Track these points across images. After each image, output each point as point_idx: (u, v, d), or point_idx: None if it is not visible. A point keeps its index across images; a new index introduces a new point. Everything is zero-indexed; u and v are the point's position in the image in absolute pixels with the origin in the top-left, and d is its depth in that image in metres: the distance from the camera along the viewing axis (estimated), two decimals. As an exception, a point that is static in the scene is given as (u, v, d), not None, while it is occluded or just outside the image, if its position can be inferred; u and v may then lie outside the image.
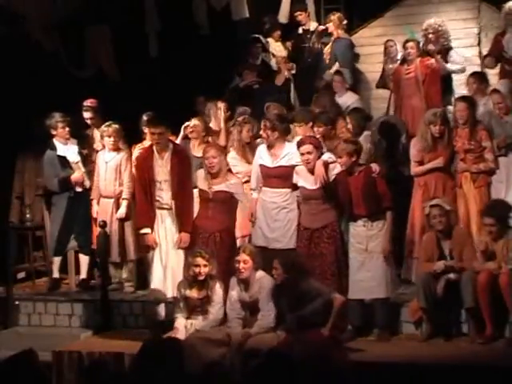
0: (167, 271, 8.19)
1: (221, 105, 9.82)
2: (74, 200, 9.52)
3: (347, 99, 10.38)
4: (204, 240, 8.12)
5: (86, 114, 9.92)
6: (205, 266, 7.68)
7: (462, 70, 10.48)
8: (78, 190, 9.52)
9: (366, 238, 7.78)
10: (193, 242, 8.16)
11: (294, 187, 8.16)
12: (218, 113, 9.76)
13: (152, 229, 8.24)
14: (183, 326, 7.71)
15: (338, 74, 10.61)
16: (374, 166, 7.95)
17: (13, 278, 9.66)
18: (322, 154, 8.06)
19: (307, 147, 7.97)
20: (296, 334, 7.24)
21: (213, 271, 7.71)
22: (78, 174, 9.50)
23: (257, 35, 11.64)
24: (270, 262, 7.64)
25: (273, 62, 11.57)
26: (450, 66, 10.50)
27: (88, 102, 9.95)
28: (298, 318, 7.32)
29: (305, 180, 8.04)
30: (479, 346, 7.45)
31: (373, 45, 11.48)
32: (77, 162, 9.61)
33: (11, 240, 9.62)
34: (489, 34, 11.24)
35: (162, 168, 8.21)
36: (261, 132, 8.44)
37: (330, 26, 11.24)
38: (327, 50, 11.25)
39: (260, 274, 7.67)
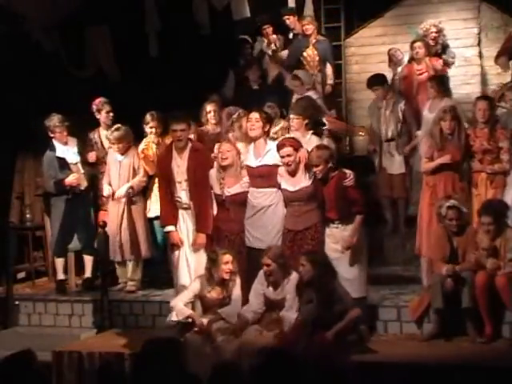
0: (191, 270, 8.16)
1: (213, 107, 9.82)
2: (73, 202, 9.49)
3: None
4: (230, 242, 8.10)
5: (97, 115, 9.87)
6: (232, 262, 7.66)
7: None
8: (76, 191, 9.49)
9: (339, 239, 7.78)
10: (212, 243, 8.12)
11: (280, 186, 8.12)
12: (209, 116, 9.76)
13: (176, 227, 8.24)
14: (201, 320, 7.63)
15: (295, 79, 10.58)
16: (348, 173, 7.95)
17: (13, 278, 9.66)
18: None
19: (287, 150, 7.95)
20: (306, 332, 7.25)
21: (235, 270, 7.70)
22: (72, 177, 9.45)
23: (244, 36, 11.66)
24: (255, 263, 7.71)
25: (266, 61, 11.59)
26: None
27: (96, 102, 9.84)
28: (316, 318, 7.33)
29: (286, 182, 8.02)
30: (479, 345, 7.44)
31: (372, 45, 11.50)
32: (76, 163, 9.59)
33: (11, 240, 9.61)
34: (489, 34, 11.26)
35: (181, 167, 8.20)
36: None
37: (310, 28, 11.25)
38: (310, 52, 11.23)
39: (294, 274, 7.62)
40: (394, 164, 10.11)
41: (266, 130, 8.30)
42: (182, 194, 8.22)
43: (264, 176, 8.11)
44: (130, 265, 9.41)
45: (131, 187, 9.30)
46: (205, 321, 7.55)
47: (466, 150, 8.37)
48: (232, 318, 7.60)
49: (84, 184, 9.58)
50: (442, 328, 7.66)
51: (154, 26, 11.35)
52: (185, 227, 8.25)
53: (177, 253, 8.28)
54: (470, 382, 6.80)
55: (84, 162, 9.63)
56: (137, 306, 8.95)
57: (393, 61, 10.88)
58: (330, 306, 7.37)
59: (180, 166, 8.22)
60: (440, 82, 9.87)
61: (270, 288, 7.69)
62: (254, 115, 8.25)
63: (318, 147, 8.00)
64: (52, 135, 9.52)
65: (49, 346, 8.11)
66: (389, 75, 10.72)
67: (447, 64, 10.69)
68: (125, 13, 10.85)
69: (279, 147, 8.02)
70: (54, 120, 9.47)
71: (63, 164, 9.51)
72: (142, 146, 9.50)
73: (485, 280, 7.51)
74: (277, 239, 7.98)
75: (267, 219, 8.06)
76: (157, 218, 9.14)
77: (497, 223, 7.67)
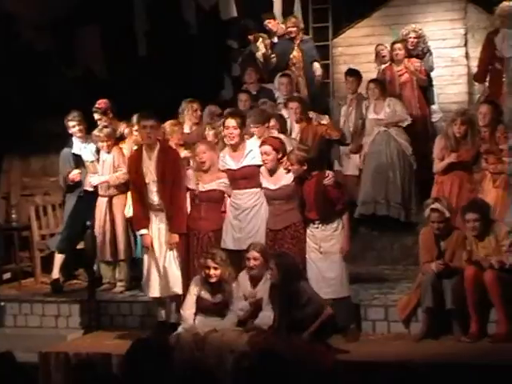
0: (161, 271, 8.15)
1: (196, 105, 9.81)
2: (83, 199, 9.50)
3: None
4: (198, 241, 8.10)
5: (95, 116, 9.85)
6: (215, 268, 7.62)
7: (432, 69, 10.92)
8: (89, 189, 9.47)
9: (319, 239, 7.78)
10: (186, 243, 8.13)
11: (262, 187, 8.11)
12: (193, 114, 9.75)
13: (148, 230, 8.22)
14: (192, 319, 7.66)
15: (285, 77, 10.64)
16: (327, 172, 7.96)
17: (-2, 279, 9.65)
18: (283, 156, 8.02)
19: (265, 148, 7.95)
20: (281, 335, 7.25)
21: (225, 275, 7.65)
22: (75, 172, 9.47)
23: (230, 41, 11.68)
24: (239, 265, 7.72)
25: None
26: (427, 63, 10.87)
27: (97, 104, 9.84)
28: (288, 321, 7.33)
29: (267, 180, 8.03)
30: (465, 344, 7.45)
31: (360, 45, 11.53)
32: (92, 161, 9.56)
33: (-3, 240, 9.61)
34: (475, 35, 11.30)
35: (150, 168, 8.16)
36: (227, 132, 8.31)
37: (294, 31, 11.28)
38: (296, 54, 11.26)
39: (269, 272, 7.63)
40: (350, 165, 10.24)
41: (244, 133, 8.28)
42: (153, 196, 8.18)
43: (247, 177, 8.11)
44: (118, 266, 9.39)
45: (106, 181, 9.29)
46: (201, 332, 7.50)
47: (478, 152, 8.54)
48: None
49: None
50: (432, 327, 7.68)
51: (143, 25, 11.35)
52: (156, 229, 8.22)
53: (148, 254, 8.26)
54: (457, 381, 6.82)
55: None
56: (124, 306, 8.92)
57: (378, 58, 10.94)
58: (301, 307, 7.37)
59: (149, 166, 8.16)
60: (382, 83, 10.14)
61: (250, 288, 7.69)
62: (231, 122, 8.18)
63: (299, 148, 8.00)
64: (69, 132, 9.56)
65: (35, 347, 8.08)
66: (375, 74, 10.81)
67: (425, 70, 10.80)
68: (114, 12, 10.84)
69: (260, 144, 8.05)
70: (68, 116, 9.54)
71: (78, 161, 9.54)
72: (129, 145, 9.49)
73: (474, 275, 7.52)
74: (259, 239, 7.96)
75: (252, 220, 8.06)
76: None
77: (482, 220, 7.70)
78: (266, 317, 7.53)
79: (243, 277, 7.77)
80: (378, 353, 7.40)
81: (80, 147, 9.59)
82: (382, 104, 10.01)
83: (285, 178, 7.95)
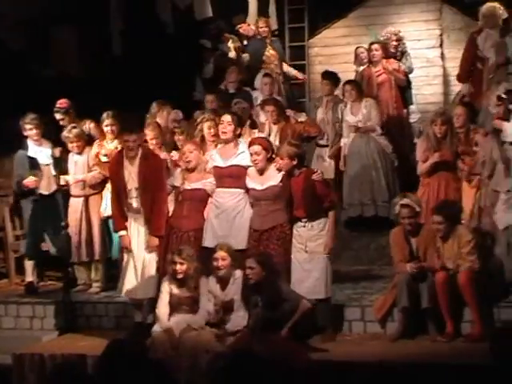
0: (138, 273, 8.14)
1: (167, 106, 9.78)
2: (41, 204, 9.42)
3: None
4: (177, 239, 8.10)
5: (57, 116, 9.78)
6: (181, 263, 7.61)
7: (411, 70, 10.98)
8: (45, 193, 9.41)
9: (305, 239, 7.78)
10: (166, 242, 8.12)
11: (247, 189, 8.12)
12: (163, 114, 9.72)
13: (127, 231, 8.21)
14: (167, 319, 7.62)
15: (268, 77, 10.66)
16: (315, 168, 7.97)
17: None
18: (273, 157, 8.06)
19: (255, 148, 7.97)
20: (258, 335, 7.24)
21: (191, 270, 7.64)
22: (30, 178, 9.34)
23: (204, 40, 11.67)
24: (208, 263, 7.70)
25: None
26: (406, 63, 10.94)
27: (58, 104, 9.77)
28: (265, 320, 7.33)
29: (255, 181, 8.02)
30: (441, 344, 7.48)
31: (336, 45, 11.56)
32: (47, 165, 9.51)
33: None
34: (451, 36, 11.37)
35: (132, 174, 8.16)
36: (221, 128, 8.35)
37: (266, 31, 11.30)
38: (271, 52, 11.26)
39: (239, 273, 7.65)
40: (325, 168, 10.19)
41: (238, 132, 8.30)
42: (133, 201, 8.17)
43: (234, 176, 8.12)
44: (93, 266, 9.34)
45: (83, 180, 9.23)
46: (177, 332, 7.47)
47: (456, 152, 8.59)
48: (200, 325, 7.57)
49: (53, 187, 9.47)
50: (408, 327, 7.70)
51: (118, 25, 11.31)
52: (135, 230, 8.20)
53: (126, 255, 8.25)
54: (432, 380, 6.84)
55: (57, 164, 9.50)
56: (100, 307, 8.87)
57: (358, 60, 10.97)
58: (278, 306, 7.38)
59: (131, 172, 8.16)
60: (358, 85, 10.18)
61: (219, 289, 7.68)
62: (227, 118, 8.26)
63: (289, 143, 8.02)
64: (25, 134, 9.46)
65: (9, 348, 8.05)
66: (353, 75, 10.83)
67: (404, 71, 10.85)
68: (89, 12, 10.79)
69: (249, 144, 8.07)
70: (25, 118, 9.42)
71: (34, 164, 9.44)
72: (94, 149, 9.43)
73: (445, 279, 7.56)
74: (245, 241, 7.96)
75: (234, 220, 8.06)
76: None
77: (448, 223, 7.73)
78: (239, 319, 7.53)
79: (211, 280, 7.74)
80: (355, 353, 7.42)
81: (35, 150, 9.49)
82: (359, 105, 10.04)
83: (273, 178, 7.95)
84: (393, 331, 7.79)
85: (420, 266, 7.68)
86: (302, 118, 10.08)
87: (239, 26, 11.58)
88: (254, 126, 9.41)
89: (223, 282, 7.71)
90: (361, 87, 10.26)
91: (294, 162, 7.82)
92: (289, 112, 9.87)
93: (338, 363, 7.10)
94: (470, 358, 7.04)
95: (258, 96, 10.60)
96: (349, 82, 10.30)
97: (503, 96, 8.21)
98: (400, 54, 10.92)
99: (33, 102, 9.75)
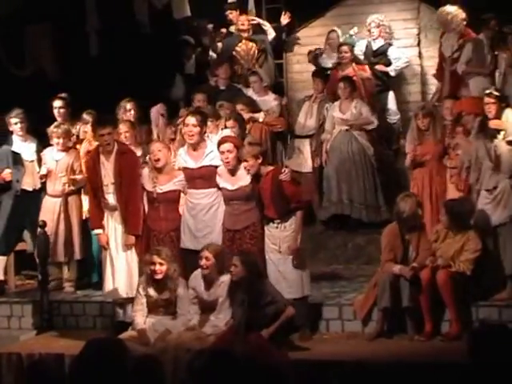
0: (115, 272, 8.13)
1: (131, 105, 9.73)
2: (22, 200, 9.37)
3: (269, 98, 10.62)
4: (158, 241, 8.08)
5: (57, 103, 9.72)
6: (161, 264, 7.58)
7: (407, 63, 11.04)
8: (28, 189, 9.37)
9: (279, 239, 7.78)
10: (146, 243, 8.12)
11: (219, 187, 8.10)
12: (127, 113, 9.68)
13: (104, 229, 8.22)
14: (143, 321, 7.62)
15: (254, 75, 10.66)
16: (283, 168, 7.97)
17: None
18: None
19: (226, 146, 7.92)
20: (240, 334, 7.24)
21: (170, 271, 7.61)
22: (6, 171, 9.29)
23: (186, 36, 11.65)
24: (188, 265, 7.75)
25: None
26: (396, 63, 10.93)
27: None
28: (248, 320, 7.34)
29: (226, 181, 8.00)
30: (418, 343, 7.53)
31: (314, 44, 11.53)
32: (31, 161, 9.47)
33: None
34: (428, 35, 11.39)
35: (108, 170, 8.17)
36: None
37: (246, 24, 11.37)
38: (244, 47, 11.29)
39: (226, 278, 7.60)
40: (301, 161, 10.24)
41: (204, 131, 8.25)
42: (110, 197, 8.18)
43: (204, 177, 8.09)
44: (67, 265, 9.31)
45: (81, 180, 9.17)
46: (150, 333, 7.49)
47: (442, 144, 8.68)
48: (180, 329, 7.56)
49: (38, 184, 9.43)
50: (386, 326, 7.72)
51: (95, 24, 11.27)
52: (112, 229, 8.20)
53: (104, 254, 8.26)
54: (410, 379, 6.86)
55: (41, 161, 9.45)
56: (77, 306, 8.86)
57: (328, 44, 11.07)
58: (263, 306, 7.39)
59: (107, 169, 8.20)
60: (352, 82, 10.14)
61: (203, 288, 7.66)
62: (191, 120, 8.14)
63: (250, 143, 8.00)
64: (10, 129, 9.43)
65: (-13, 348, 8.00)
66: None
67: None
68: (65, 11, 10.74)
69: (220, 143, 8.00)
70: (11, 113, 9.41)
71: (17, 159, 9.39)
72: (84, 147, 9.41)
73: (429, 277, 7.60)
74: (215, 239, 7.95)
75: (209, 219, 8.04)
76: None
77: (450, 217, 7.77)
78: (217, 321, 7.54)
79: (197, 277, 7.74)
80: (332, 352, 7.45)
81: (20, 146, 9.47)
82: (349, 104, 9.98)
83: (243, 179, 7.92)
84: (371, 330, 7.82)
85: (415, 268, 7.67)
86: (260, 118, 10.16)
87: (229, 11, 11.58)
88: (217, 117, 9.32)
89: (207, 282, 7.68)
90: (355, 85, 10.18)
91: (260, 161, 7.81)
92: (245, 115, 9.82)
93: (315, 362, 7.12)
94: (448, 356, 7.06)
95: (252, 95, 10.60)
96: (344, 78, 10.23)
97: (495, 93, 8.20)
98: (387, 45, 10.92)
99: (8, 101, 9.71)
